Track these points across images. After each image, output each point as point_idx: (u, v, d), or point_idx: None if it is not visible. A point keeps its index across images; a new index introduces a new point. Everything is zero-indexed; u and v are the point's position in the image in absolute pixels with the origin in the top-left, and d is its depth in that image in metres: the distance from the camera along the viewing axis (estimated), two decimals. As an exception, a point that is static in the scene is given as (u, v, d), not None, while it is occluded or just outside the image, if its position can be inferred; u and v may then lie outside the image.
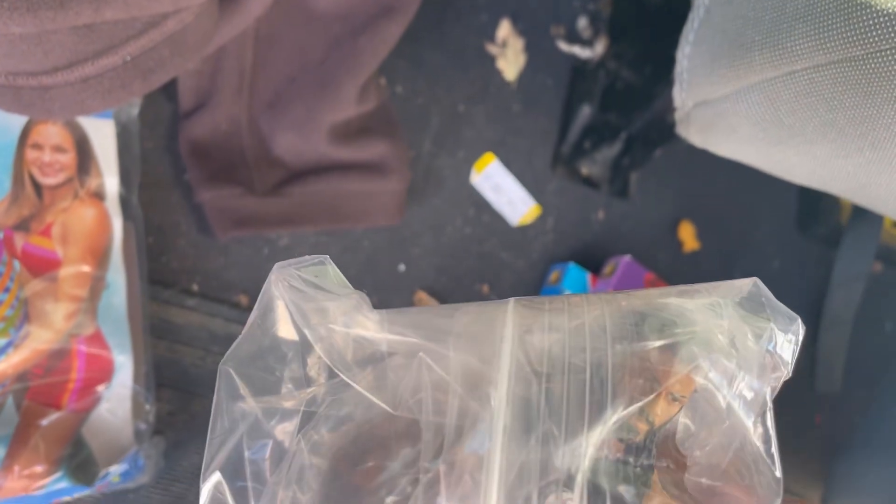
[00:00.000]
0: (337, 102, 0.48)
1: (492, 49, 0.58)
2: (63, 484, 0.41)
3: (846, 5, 0.30)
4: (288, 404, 0.19)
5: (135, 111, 0.47)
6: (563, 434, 0.17)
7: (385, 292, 0.53)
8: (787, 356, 0.19)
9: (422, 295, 0.54)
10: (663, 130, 0.54)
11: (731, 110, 0.39)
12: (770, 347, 0.19)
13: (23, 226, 0.42)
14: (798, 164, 0.39)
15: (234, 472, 0.18)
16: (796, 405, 0.62)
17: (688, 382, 0.18)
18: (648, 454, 0.18)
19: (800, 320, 0.19)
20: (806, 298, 0.63)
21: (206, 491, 0.18)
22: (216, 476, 0.18)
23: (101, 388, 0.43)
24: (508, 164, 0.56)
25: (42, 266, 0.42)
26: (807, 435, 0.62)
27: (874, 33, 0.29)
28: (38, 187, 0.43)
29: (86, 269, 0.43)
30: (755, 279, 0.20)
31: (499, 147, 0.57)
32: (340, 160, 0.50)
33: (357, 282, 0.20)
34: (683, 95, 0.43)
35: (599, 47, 0.59)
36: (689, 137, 0.45)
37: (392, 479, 0.18)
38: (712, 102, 0.40)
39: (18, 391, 0.41)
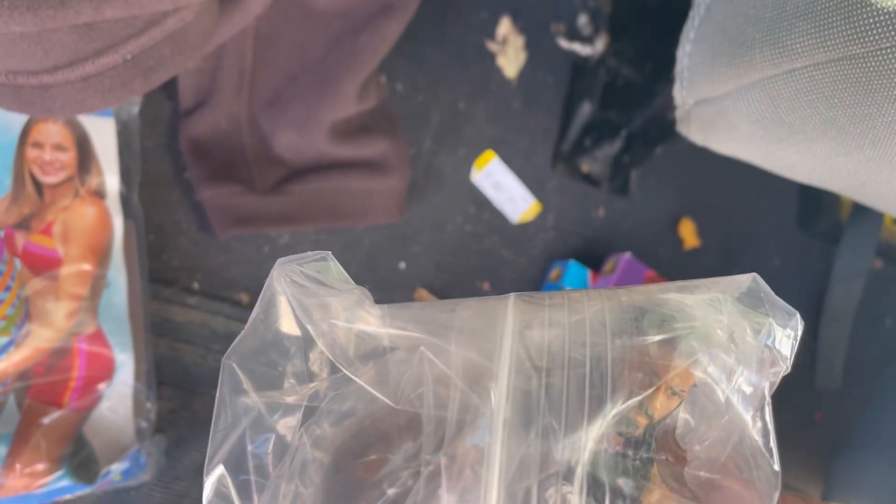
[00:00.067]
0: (337, 100, 0.48)
1: (492, 46, 0.58)
2: (64, 482, 0.41)
3: (846, 3, 0.30)
4: (290, 399, 0.19)
5: (135, 109, 0.47)
6: (562, 428, 0.18)
7: (385, 290, 0.53)
8: (786, 351, 0.19)
9: (422, 292, 0.54)
10: (664, 128, 0.54)
11: (731, 108, 0.39)
12: (769, 342, 0.19)
13: (23, 224, 0.43)
14: (798, 162, 0.39)
15: (237, 465, 0.18)
16: (796, 402, 0.62)
17: (687, 377, 0.18)
18: (648, 447, 0.18)
19: (798, 315, 0.19)
20: (806, 295, 0.63)
21: (209, 484, 0.18)
22: (220, 469, 0.18)
23: (102, 386, 0.43)
24: (509, 161, 0.56)
25: (43, 265, 0.43)
26: (807, 431, 0.63)
27: (874, 31, 0.29)
28: (38, 186, 0.43)
29: (86, 267, 0.43)
30: (754, 275, 0.20)
31: (499, 144, 0.57)
32: (341, 158, 0.50)
33: (357, 279, 0.20)
34: (684, 93, 0.43)
35: (600, 44, 0.59)
36: (689, 135, 0.46)
37: (394, 473, 0.18)
38: (713, 100, 0.41)
39: (20, 390, 0.42)
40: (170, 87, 0.49)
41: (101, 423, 0.43)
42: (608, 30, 0.60)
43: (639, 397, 0.18)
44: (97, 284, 0.44)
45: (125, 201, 0.46)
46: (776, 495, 0.18)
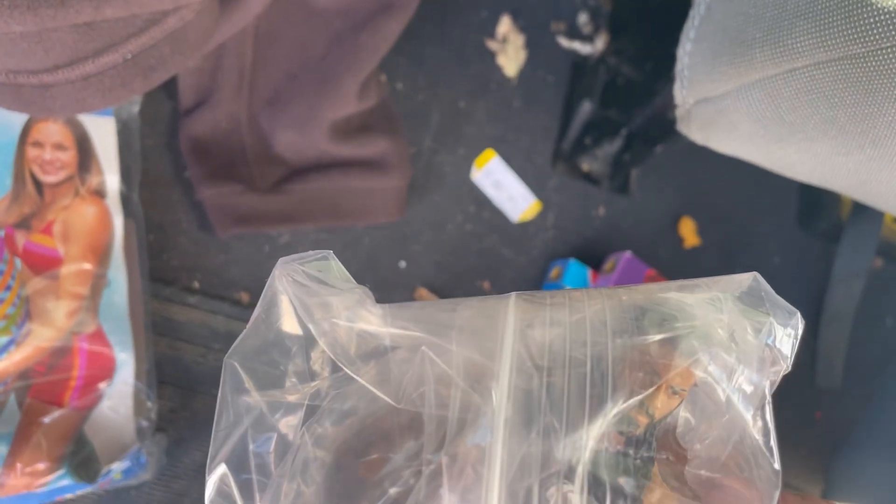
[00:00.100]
0: (337, 99, 0.48)
1: (492, 45, 0.58)
2: (65, 481, 0.41)
3: (847, 3, 0.30)
4: (292, 398, 0.19)
5: (135, 109, 0.47)
6: (563, 427, 0.18)
7: (386, 289, 0.53)
8: (787, 350, 0.19)
9: (422, 292, 0.54)
10: (664, 127, 0.54)
11: (731, 107, 0.39)
12: (769, 341, 0.19)
13: (24, 224, 0.43)
14: (799, 162, 0.39)
15: (239, 464, 0.18)
16: (797, 401, 0.62)
17: (687, 376, 0.18)
18: (648, 446, 0.18)
19: (799, 314, 0.19)
20: (807, 294, 0.64)
21: (211, 483, 0.18)
22: (221, 468, 0.18)
23: (102, 385, 0.43)
24: (509, 160, 0.56)
25: (43, 264, 0.43)
26: (807, 431, 0.63)
27: (875, 31, 0.29)
28: (38, 185, 0.43)
29: (87, 266, 0.43)
30: (755, 273, 0.20)
31: (499, 143, 0.57)
32: (341, 157, 0.50)
33: (358, 278, 0.20)
34: (684, 93, 0.43)
35: (600, 43, 0.59)
36: (689, 134, 0.45)
37: (395, 472, 0.18)
38: (713, 99, 0.41)
39: (20, 389, 0.42)
40: (170, 87, 0.49)
41: (102, 422, 0.43)
42: (608, 28, 0.60)
43: (639, 396, 0.18)
44: (97, 284, 0.44)
45: (125, 200, 0.46)
46: (776, 494, 0.18)
